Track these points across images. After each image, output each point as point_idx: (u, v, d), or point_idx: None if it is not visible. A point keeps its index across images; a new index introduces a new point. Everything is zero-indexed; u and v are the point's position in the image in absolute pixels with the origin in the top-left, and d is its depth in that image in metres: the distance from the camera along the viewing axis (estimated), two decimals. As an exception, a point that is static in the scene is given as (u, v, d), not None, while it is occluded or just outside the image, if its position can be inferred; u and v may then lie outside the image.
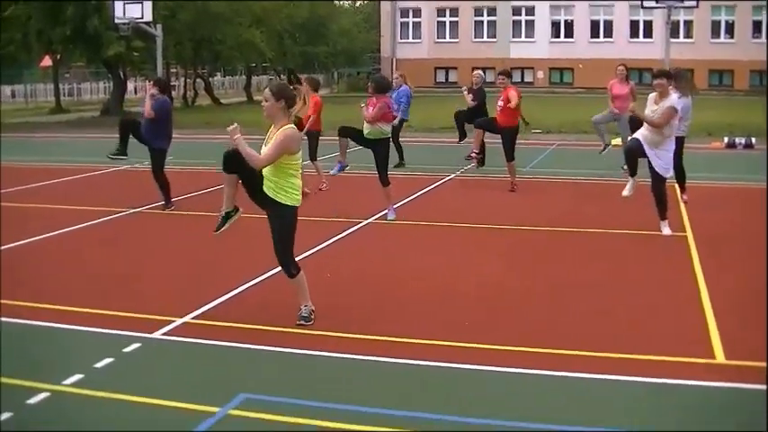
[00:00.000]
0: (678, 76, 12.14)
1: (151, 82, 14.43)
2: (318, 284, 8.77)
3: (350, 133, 12.63)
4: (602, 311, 7.96)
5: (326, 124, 15.92)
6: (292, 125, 7.39)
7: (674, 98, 11.37)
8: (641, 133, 11.24)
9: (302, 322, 7.50)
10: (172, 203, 13.52)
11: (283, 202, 7.36)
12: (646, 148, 11.09)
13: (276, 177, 7.33)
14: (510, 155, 15.14)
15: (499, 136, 15.30)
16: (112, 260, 10.28)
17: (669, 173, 11.34)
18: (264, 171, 7.32)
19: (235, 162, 7.31)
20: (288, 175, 7.35)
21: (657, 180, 11.20)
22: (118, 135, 13.57)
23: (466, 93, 18.17)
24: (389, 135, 12.72)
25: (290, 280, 7.60)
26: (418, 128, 19.08)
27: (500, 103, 15.08)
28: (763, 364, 6.29)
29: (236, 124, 7.29)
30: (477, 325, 7.55)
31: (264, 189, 7.37)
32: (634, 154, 11.31)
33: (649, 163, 11.19)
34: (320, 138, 15.42)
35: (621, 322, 7.64)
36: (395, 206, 12.64)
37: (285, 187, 7.35)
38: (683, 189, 13.56)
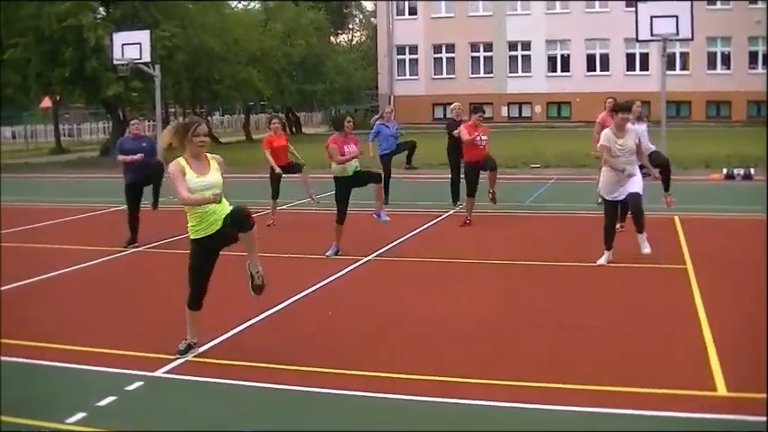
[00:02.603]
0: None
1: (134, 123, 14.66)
2: (320, 321, 8.80)
3: (347, 197, 12.55)
4: (604, 345, 7.96)
5: (322, 162, 15.97)
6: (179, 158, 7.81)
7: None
8: (609, 174, 11.33)
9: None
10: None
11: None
12: (621, 190, 11.26)
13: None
14: (469, 190, 15.07)
15: (485, 173, 15.26)
16: (114, 299, 10.30)
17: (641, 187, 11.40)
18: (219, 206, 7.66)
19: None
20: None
21: (634, 198, 11.22)
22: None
23: (456, 133, 16.29)
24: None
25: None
26: (416, 164, 19.17)
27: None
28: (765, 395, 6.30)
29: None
30: (479, 360, 7.56)
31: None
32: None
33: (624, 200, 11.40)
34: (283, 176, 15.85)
35: (623, 356, 7.63)
36: (397, 242, 12.62)
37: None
38: (667, 187, 13.57)
